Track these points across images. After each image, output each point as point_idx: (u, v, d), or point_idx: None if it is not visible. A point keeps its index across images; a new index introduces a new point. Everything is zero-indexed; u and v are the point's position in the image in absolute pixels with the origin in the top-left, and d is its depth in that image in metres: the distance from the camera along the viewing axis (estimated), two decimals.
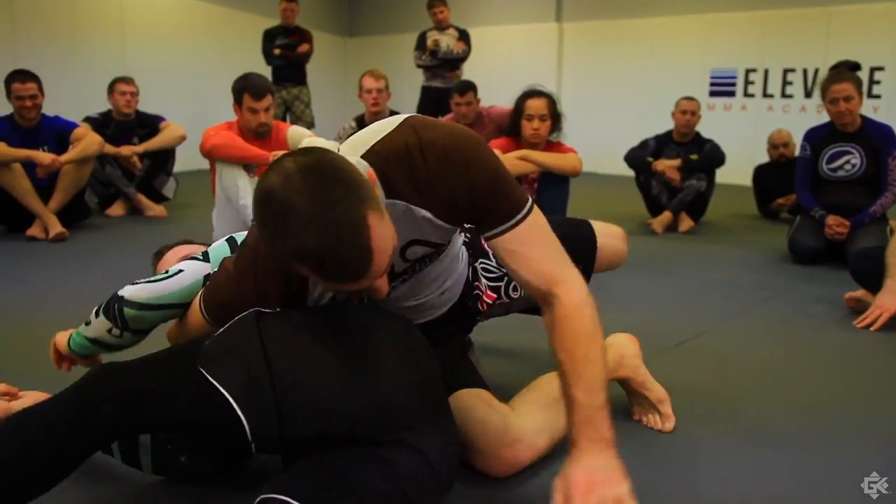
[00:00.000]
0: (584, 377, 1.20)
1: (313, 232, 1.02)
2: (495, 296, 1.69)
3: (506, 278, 1.70)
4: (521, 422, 1.48)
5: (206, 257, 1.55)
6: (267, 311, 1.30)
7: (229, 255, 1.55)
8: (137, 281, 1.49)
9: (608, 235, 1.96)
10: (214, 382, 1.15)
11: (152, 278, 1.50)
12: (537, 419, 1.51)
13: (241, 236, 1.64)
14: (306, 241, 1.03)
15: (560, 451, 1.61)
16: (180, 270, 1.51)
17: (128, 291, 1.46)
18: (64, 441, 1.14)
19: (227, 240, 1.63)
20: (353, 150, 1.24)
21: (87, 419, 1.15)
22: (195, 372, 1.17)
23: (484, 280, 1.69)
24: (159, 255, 1.83)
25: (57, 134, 4.26)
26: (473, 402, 1.49)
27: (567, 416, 1.22)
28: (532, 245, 1.27)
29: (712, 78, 7.85)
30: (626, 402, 1.86)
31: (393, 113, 4.80)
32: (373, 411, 1.19)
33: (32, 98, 4.09)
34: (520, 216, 1.26)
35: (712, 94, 7.77)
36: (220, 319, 1.34)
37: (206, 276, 1.51)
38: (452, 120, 5.20)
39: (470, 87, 5.07)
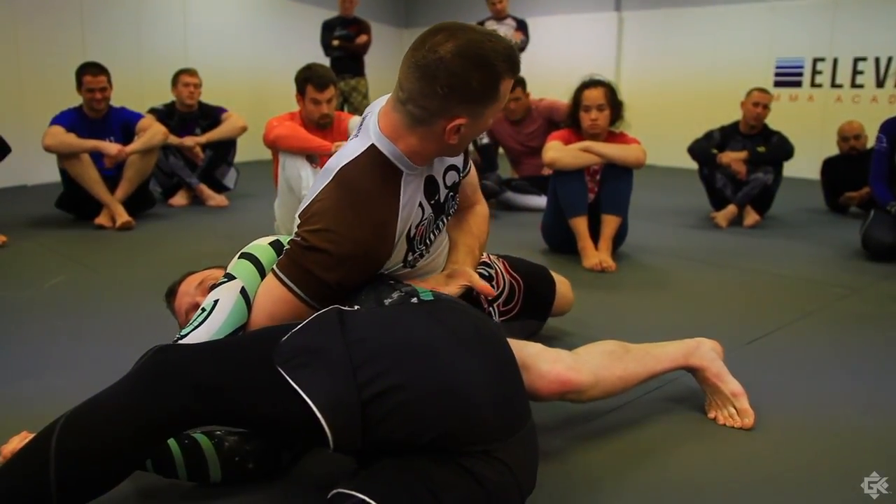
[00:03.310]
0: (473, 233, 1.83)
1: (502, 40, 1.42)
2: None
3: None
4: (563, 351, 1.62)
5: (230, 278, 1.50)
6: (347, 308, 1.27)
7: (255, 267, 1.52)
8: (182, 333, 1.43)
9: (562, 283, 2.31)
10: (297, 388, 1.11)
11: (194, 323, 1.44)
12: (581, 355, 1.63)
13: (286, 240, 1.61)
14: (505, 43, 1.41)
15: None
16: (216, 301, 1.46)
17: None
18: (135, 432, 1.11)
19: (271, 243, 1.60)
20: None
21: (162, 410, 1.11)
22: (273, 372, 1.13)
23: None
24: (171, 294, 1.78)
25: (123, 125, 4.35)
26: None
27: (451, 253, 1.78)
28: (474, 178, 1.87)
29: (777, 67, 7.61)
30: (701, 401, 1.81)
31: None
32: (462, 424, 1.16)
33: (102, 91, 4.18)
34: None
35: (777, 84, 7.54)
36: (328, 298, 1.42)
37: (243, 291, 1.47)
38: (502, 113, 5.15)
39: (518, 83, 5.01)
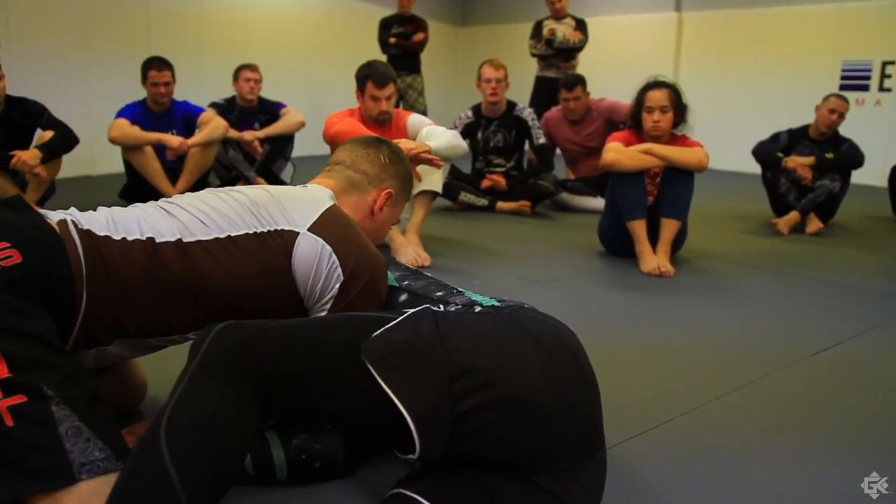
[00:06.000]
0: None
1: None
2: None
3: None
4: None
5: None
6: (438, 310, 1.23)
7: None
8: None
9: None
10: (391, 393, 1.06)
11: None
12: None
13: None
14: None
15: None
16: None
17: None
18: (239, 427, 1.04)
19: None
20: None
21: (251, 397, 1.04)
22: (361, 368, 1.07)
23: None
24: None
25: (185, 118, 4.44)
26: None
27: None
28: None
29: (844, 71, 7.37)
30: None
31: (510, 104, 4.73)
32: (548, 444, 1.13)
33: (166, 85, 4.28)
34: None
35: (843, 87, 7.29)
36: None
37: None
38: (561, 114, 5.10)
39: (578, 82, 4.94)
